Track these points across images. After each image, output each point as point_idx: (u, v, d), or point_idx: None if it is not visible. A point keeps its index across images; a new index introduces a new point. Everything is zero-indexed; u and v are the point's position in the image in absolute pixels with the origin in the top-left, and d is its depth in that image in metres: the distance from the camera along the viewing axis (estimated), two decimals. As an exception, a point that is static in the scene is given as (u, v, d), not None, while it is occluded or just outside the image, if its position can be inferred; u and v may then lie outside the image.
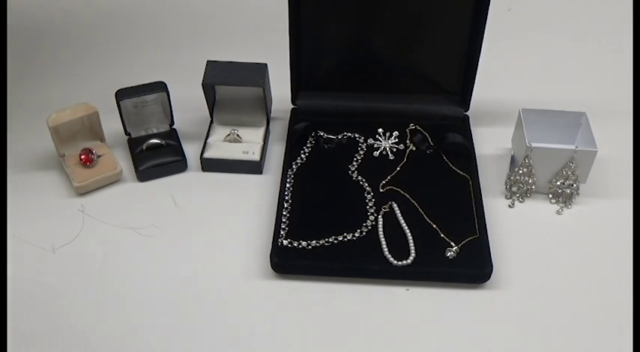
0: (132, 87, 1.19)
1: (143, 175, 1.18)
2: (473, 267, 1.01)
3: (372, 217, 1.08)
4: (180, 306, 0.99)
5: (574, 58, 1.46)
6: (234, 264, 1.05)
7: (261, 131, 1.25)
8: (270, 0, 1.43)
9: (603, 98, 1.35)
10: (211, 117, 1.27)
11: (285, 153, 1.21)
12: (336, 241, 1.05)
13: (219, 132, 1.25)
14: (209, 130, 1.25)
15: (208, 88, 1.21)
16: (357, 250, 1.04)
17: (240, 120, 1.26)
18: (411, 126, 1.26)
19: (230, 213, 1.12)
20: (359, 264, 1.02)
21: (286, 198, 1.11)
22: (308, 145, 1.22)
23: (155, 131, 1.25)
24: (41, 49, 1.49)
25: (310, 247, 1.04)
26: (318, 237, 1.05)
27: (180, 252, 1.06)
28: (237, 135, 1.23)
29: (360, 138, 1.24)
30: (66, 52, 1.48)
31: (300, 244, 1.04)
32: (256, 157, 1.19)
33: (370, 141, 1.23)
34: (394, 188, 1.14)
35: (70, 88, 1.38)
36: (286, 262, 1.02)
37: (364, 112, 1.27)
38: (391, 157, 1.21)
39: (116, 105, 1.18)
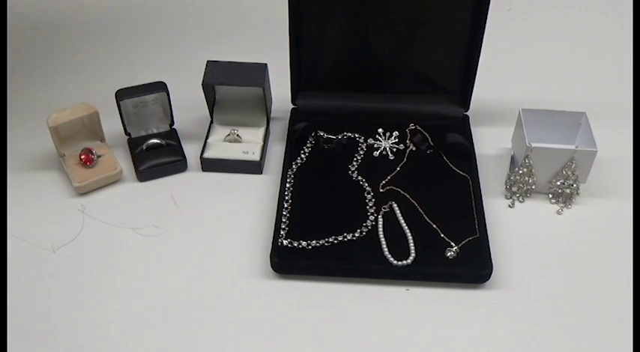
0: (132, 87, 1.19)
1: (143, 175, 1.18)
2: (473, 267, 1.01)
3: (372, 217, 1.08)
4: (180, 306, 0.99)
5: (574, 57, 1.45)
6: (234, 264, 1.05)
7: (261, 131, 1.25)
8: (270, 0, 1.44)
9: (603, 98, 1.35)
10: (211, 117, 1.27)
11: (285, 153, 1.21)
12: (336, 241, 1.05)
13: (219, 132, 1.25)
14: (209, 130, 1.25)
15: (208, 88, 1.21)
16: (357, 250, 1.04)
17: (240, 120, 1.26)
18: (411, 126, 1.26)
19: (230, 213, 1.12)
20: (359, 264, 1.02)
21: (286, 198, 1.11)
22: (308, 145, 1.22)
23: (155, 131, 1.25)
24: (41, 49, 1.49)
25: (310, 247, 1.04)
26: (318, 237, 1.05)
27: (180, 252, 1.06)
28: (237, 135, 1.23)
29: (360, 138, 1.24)
30: (66, 52, 1.48)
31: (300, 244, 1.04)
32: (256, 157, 1.19)
33: (370, 141, 1.23)
34: (394, 188, 1.14)
35: (70, 88, 1.38)
36: (286, 262, 1.02)
37: (364, 112, 1.27)
38: (391, 157, 1.21)
39: (116, 105, 1.18)
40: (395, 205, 1.10)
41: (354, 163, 1.19)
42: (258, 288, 1.01)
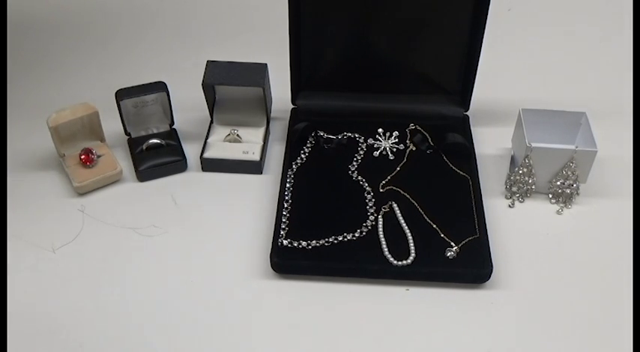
0: (132, 87, 1.19)
1: (143, 175, 1.18)
2: (473, 267, 1.01)
3: (372, 217, 1.08)
4: (180, 306, 0.99)
5: (574, 57, 1.45)
6: (234, 263, 1.05)
7: (261, 131, 1.25)
8: (270, 0, 1.44)
9: (603, 98, 1.35)
10: (211, 117, 1.27)
11: (285, 153, 1.21)
12: (336, 241, 1.05)
13: (219, 132, 1.25)
14: (209, 130, 1.25)
15: (208, 88, 1.22)
16: (357, 250, 1.04)
17: (240, 120, 1.26)
18: (411, 126, 1.26)
19: (230, 213, 1.12)
20: (359, 264, 1.02)
21: (286, 198, 1.11)
22: (308, 145, 1.22)
23: (155, 131, 1.25)
24: (41, 49, 1.49)
25: (310, 247, 1.04)
26: (318, 237, 1.05)
27: (180, 252, 1.06)
28: (237, 135, 1.23)
29: (360, 138, 1.24)
30: (66, 52, 1.48)
31: (300, 244, 1.04)
32: (256, 157, 1.19)
33: (370, 141, 1.23)
34: (394, 188, 1.14)
35: (70, 88, 1.38)
36: (286, 262, 1.02)
37: (364, 112, 1.27)
38: (391, 157, 1.21)
39: (116, 105, 1.18)
40: (395, 205, 1.10)
41: (354, 163, 1.19)
42: (258, 288, 1.01)
